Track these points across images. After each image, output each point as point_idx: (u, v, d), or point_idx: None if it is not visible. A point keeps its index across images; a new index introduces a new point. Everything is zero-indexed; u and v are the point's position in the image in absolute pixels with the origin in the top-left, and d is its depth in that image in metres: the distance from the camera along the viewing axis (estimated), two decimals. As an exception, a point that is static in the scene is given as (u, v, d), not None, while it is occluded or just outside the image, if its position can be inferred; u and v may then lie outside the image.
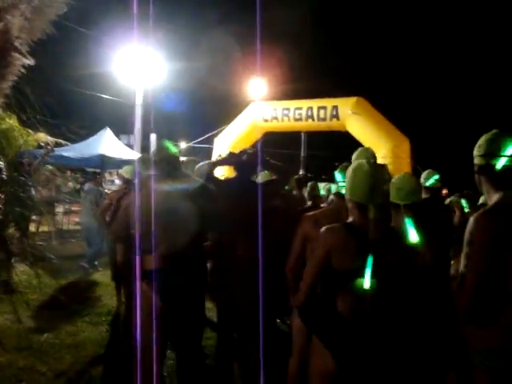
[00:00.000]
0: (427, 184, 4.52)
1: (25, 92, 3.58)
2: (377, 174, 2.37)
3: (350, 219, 2.39)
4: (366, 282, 2.22)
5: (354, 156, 3.36)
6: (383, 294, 2.30)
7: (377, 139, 10.79)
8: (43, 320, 5.13)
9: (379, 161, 10.24)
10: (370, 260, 2.23)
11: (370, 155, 3.53)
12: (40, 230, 10.28)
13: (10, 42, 3.14)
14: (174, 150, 3.35)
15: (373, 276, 2.23)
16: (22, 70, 3.22)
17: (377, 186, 2.35)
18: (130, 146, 14.90)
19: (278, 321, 4.98)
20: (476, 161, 2.16)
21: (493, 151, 2.09)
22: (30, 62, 3.22)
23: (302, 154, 18.44)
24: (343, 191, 2.64)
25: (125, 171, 5.66)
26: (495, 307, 1.98)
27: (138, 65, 14.63)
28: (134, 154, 11.92)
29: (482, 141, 2.15)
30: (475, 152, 2.17)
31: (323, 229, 2.38)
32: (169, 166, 3.29)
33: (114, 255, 4.24)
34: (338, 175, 3.16)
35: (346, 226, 2.35)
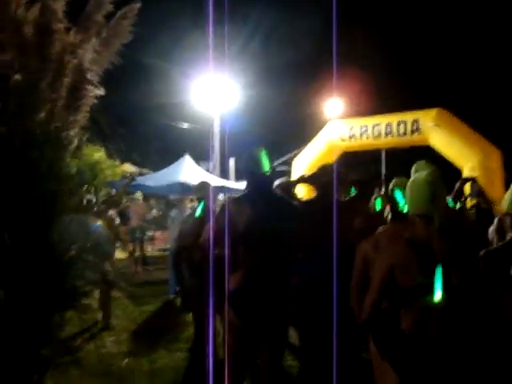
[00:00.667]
0: None
1: (101, 123, 3.67)
2: (433, 182, 2.33)
3: (413, 234, 2.33)
4: (437, 296, 2.15)
5: (412, 170, 3.25)
6: (452, 309, 2.21)
7: (463, 152, 10.16)
8: (126, 345, 5.22)
9: (467, 174, 9.57)
10: (439, 273, 2.16)
11: (427, 167, 3.36)
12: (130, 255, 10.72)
13: (83, 75, 3.26)
14: (266, 167, 3.13)
15: (443, 290, 2.16)
16: (95, 101, 3.33)
17: (436, 194, 2.31)
18: (210, 172, 15.20)
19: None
20: None
21: None
22: (101, 92, 3.32)
23: (383, 172, 17.88)
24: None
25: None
26: None
27: (215, 92, 15.03)
28: (215, 180, 12.11)
29: None
30: None
31: (386, 245, 2.38)
32: (259, 184, 3.13)
33: (183, 281, 4.13)
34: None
35: (408, 242, 2.30)
